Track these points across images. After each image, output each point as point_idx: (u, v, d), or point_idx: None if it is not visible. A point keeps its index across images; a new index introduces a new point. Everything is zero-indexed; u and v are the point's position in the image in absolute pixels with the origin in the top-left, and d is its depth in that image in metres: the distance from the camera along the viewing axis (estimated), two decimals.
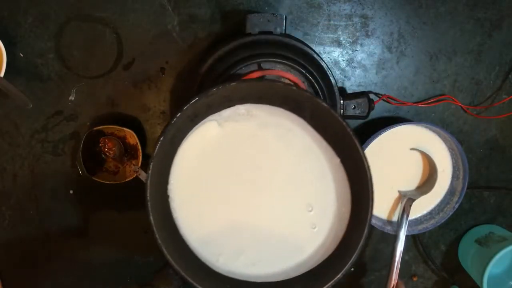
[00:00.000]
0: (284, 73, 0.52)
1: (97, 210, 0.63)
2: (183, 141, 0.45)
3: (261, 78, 0.46)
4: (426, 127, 0.57)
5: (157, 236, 0.40)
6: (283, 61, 0.52)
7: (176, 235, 0.45)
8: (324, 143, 0.46)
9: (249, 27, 0.52)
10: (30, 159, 0.61)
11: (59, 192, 0.62)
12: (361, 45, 0.59)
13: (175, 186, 0.45)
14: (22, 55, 0.58)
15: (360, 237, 0.42)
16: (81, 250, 0.64)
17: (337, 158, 0.45)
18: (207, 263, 0.45)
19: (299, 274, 0.45)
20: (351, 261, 0.43)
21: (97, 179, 0.59)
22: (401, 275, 0.58)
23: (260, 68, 0.52)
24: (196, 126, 0.45)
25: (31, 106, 0.53)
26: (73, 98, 0.60)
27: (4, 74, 0.55)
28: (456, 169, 0.59)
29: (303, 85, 0.53)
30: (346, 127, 0.40)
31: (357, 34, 0.58)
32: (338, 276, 0.43)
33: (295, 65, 0.52)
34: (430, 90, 0.60)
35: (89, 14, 0.57)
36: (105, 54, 0.58)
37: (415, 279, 0.66)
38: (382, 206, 0.61)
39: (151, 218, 0.40)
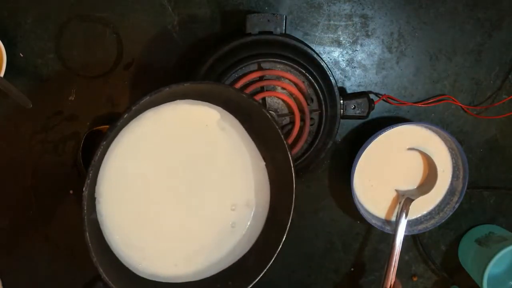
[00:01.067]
0: (284, 73, 0.52)
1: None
2: (114, 140, 0.44)
3: (208, 80, 0.47)
4: (426, 127, 0.57)
5: (91, 249, 0.41)
6: (283, 61, 0.52)
7: (101, 240, 0.45)
8: (253, 146, 0.47)
9: (249, 27, 0.52)
10: (30, 159, 0.61)
11: (59, 192, 0.62)
12: (361, 45, 0.59)
13: (102, 188, 0.44)
14: (22, 55, 0.58)
15: (278, 242, 0.45)
16: (81, 250, 0.64)
17: (263, 161, 0.47)
18: (130, 267, 0.45)
19: (218, 271, 0.47)
20: (267, 266, 0.45)
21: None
22: (401, 275, 0.58)
23: (260, 68, 0.52)
24: (131, 121, 0.44)
25: (31, 106, 0.53)
26: (73, 98, 0.60)
27: (4, 74, 0.55)
28: (456, 169, 0.59)
29: (303, 85, 0.53)
30: (281, 135, 0.42)
31: (357, 34, 0.58)
32: (253, 281, 0.44)
33: (295, 65, 0.52)
34: (430, 90, 0.60)
35: (89, 14, 0.57)
36: (105, 54, 0.58)
37: (415, 279, 0.66)
38: (381, 206, 0.61)
39: (86, 228, 0.40)
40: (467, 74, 0.60)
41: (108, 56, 0.58)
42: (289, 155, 0.43)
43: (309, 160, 0.56)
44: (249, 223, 0.48)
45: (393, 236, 0.56)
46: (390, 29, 0.58)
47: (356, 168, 0.55)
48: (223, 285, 0.46)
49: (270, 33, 0.52)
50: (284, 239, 0.45)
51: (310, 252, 0.65)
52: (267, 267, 0.45)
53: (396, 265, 0.55)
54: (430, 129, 0.58)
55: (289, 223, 0.45)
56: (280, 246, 0.45)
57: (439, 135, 0.58)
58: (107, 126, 0.58)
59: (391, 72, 0.59)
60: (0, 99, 0.60)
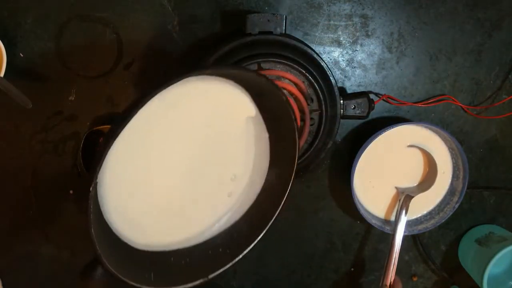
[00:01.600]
0: (284, 73, 0.52)
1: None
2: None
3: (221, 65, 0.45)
4: (426, 127, 0.57)
5: (92, 230, 0.40)
6: (283, 61, 0.52)
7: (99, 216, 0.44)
8: (259, 118, 0.47)
9: (249, 27, 0.52)
10: (30, 159, 0.61)
11: (59, 192, 0.62)
12: (361, 45, 0.59)
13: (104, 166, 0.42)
14: (22, 55, 0.58)
15: (272, 213, 0.45)
16: (81, 250, 0.64)
17: (267, 133, 0.46)
18: (129, 242, 0.44)
19: (210, 237, 0.48)
20: (261, 234, 0.45)
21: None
22: (401, 275, 0.58)
23: (260, 68, 0.52)
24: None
25: (31, 106, 0.53)
26: (73, 98, 0.60)
27: (4, 74, 0.55)
28: (456, 169, 0.59)
29: (303, 85, 0.53)
30: (289, 110, 0.42)
31: (357, 34, 0.58)
32: (246, 248, 0.45)
33: (295, 65, 0.52)
34: (430, 90, 0.60)
35: (89, 14, 0.57)
36: (105, 54, 0.58)
37: (415, 279, 0.66)
38: (381, 206, 0.61)
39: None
40: (467, 74, 0.60)
41: (108, 56, 0.58)
42: (296, 139, 0.43)
43: (309, 160, 0.56)
44: (245, 192, 0.49)
45: (393, 233, 0.56)
46: (390, 29, 0.58)
47: (356, 168, 0.55)
48: (214, 251, 0.46)
49: (270, 33, 0.52)
50: (278, 211, 0.46)
51: (310, 252, 0.65)
52: (261, 235, 0.46)
53: (396, 262, 0.55)
54: (430, 129, 0.58)
55: (285, 197, 0.46)
56: (274, 217, 0.46)
57: (439, 135, 0.58)
58: (107, 126, 0.58)
59: (391, 72, 0.59)
60: (0, 99, 0.60)
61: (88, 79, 0.59)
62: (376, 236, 0.64)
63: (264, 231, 0.46)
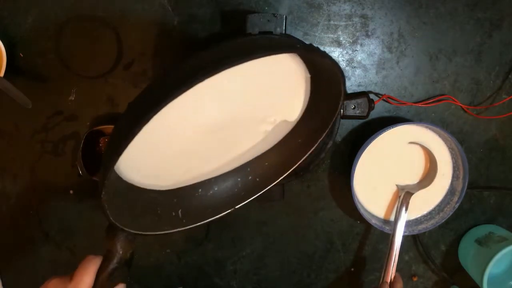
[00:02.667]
0: None
1: (97, 210, 0.63)
2: None
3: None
4: (426, 127, 0.57)
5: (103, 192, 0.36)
6: None
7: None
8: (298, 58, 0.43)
9: (249, 27, 0.52)
10: (30, 159, 0.61)
11: (59, 192, 0.62)
12: (361, 45, 0.59)
13: None
14: (22, 55, 0.58)
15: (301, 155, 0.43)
16: (81, 250, 0.64)
17: (308, 73, 0.43)
18: (153, 187, 0.44)
19: (246, 161, 0.46)
20: (293, 167, 0.44)
21: (97, 179, 0.59)
22: (401, 275, 0.58)
23: None
24: None
25: (31, 106, 0.53)
26: (73, 98, 0.60)
27: (4, 74, 0.55)
28: (456, 169, 0.59)
29: None
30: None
31: (357, 34, 0.58)
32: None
33: None
34: (430, 90, 0.60)
35: (89, 14, 0.57)
36: (105, 54, 0.58)
37: (415, 279, 0.66)
38: (381, 206, 0.61)
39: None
40: (467, 74, 0.60)
41: (108, 56, 0.58)
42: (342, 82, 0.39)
43: (309, 160, 0.56)
44: (278, 127, 0.47)
45: (393, 230, 0.56)
46: (390, 29, 0.58)
47: (356, 168, 0.55)
48: (243, 178, 0.46)
49: (270, 33, 0.52)
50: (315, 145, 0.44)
51: (310, 252, 0.65)
52: (291, 169, 0.44)
53: (396, 259, 0.55)
54: (430, 129, 0.58)
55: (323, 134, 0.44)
56: (313, 148, 0.44)
57: (439, 135, 0.58)
58: (107, 126, 0.58)
59: (391, 72, 0.59)
60: (0, 99, 0.60)
61: (88, 79, 0.59)
62: (376, 236, 0.64)
63: (294, 166, 0.44)
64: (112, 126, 0.58)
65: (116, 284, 0.41)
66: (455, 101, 0.60)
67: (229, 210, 0.43)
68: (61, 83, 0.59)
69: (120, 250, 0.41)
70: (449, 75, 0.60)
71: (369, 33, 0.58)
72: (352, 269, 0.66)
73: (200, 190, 0.46)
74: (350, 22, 0.58)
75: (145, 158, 0.43)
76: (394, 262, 0.55)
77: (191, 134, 0.43)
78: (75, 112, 0.60)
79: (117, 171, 0.42)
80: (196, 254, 0.65)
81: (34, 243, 0.64)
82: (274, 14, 0.52)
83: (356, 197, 0.58)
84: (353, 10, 0.58)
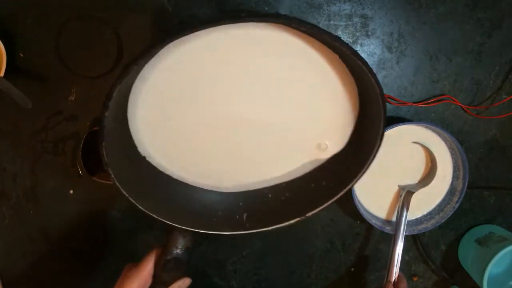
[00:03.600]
0: None
1: (97, 210, 0.63)
2: (129, 109, 0.42)
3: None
4: (426, 127, 0.57)
5: (121, 188, 0.40)
6: None
7: (173, 191, 0.44)
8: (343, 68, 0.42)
9: None
10: (30, 159, 0.61)
11: (59, 192, 0.62)
12: (361, 45, 0.59)
13: (147, 145, 0.43)
14: (22, 55, 0.58)
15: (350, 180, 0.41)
16: (81, 250, 0.64)
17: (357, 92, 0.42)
18: (215, 189, 0.45)
19: (319, 165, 0.45)
20: (364, 168, 0.41)
21: (97, 179, 0.59)
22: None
23: None
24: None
25: (31, 106, 0.53)
26: (73, 98, 0.60)
27: (4, 74, 0.55)
28: (456, 169, 0.59)
29: None
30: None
31: (357, 34, 0.58)
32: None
33: None
34: (430, 90, 0.60)
35: (89, 14, 0.57)
36: (105, 54, 0.58)
37: (415, 279, 0.66)
38: (381, 206, 0.61)
39: (142, 208, 0.40)
40: (467, 74, 0.60)
41: (108, 56, 0.58)
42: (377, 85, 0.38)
43: None
44: (333, 147, 0.45)
45: (395, 230, 0.56)
46: (390, 29, 0.58)
47: None
48: (316, 184, 0.43)
49: None
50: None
51: (310, 252, 0.65)
52: (363, 170, 0.41)
53: (400, 259, 0.55)
54: (430, 129, 0.58)
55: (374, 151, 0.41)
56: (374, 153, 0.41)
57: (439, 135, 0.58)
58: None
59: (391, 72, 0.59)
60: (0, 99, 0.60)
61: (88, 79, 0.59)
62: (376, 236, 0.64)
63: (366, 166, 0.41)
64: None
65: (178, 278, 0.44)
66: (455, 101, 0.60)
67: (300, 218, 0.41)
68: (61, 83, 0.59)
69: (175, 244, 0.43)
70: (449, 75, 0.60)
71: (369, 33, 0.58)
72: (352, 269, 0.66)
73: (270, 195, 0.45)
74: (350, 22, 0.58)
75: (200, 157, 0.44)
76: (397, 261, 0.55)
77: (244, 130, 0.43)
78: (75, 112, 0.60)
79: (176, 174, 0.44)
80: (196, 254, 0.65)
81: (34, 243, 0.64)
82: None
83: (356, 197, 0.58)
84: (353, 10, 0.58)
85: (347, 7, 0.58)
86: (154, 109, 0.43)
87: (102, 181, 0.59)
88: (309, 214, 0.41)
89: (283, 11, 0.57)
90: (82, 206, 0.63)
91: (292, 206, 0.43)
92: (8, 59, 0.55)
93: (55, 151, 0.61)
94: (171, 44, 0.35)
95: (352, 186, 0.42)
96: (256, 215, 0.42)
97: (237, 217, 0.42)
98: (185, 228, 0.41)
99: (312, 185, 0.44)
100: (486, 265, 0.56)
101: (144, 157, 0.44)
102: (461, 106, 0.60)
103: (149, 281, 0.44)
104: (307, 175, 0.45)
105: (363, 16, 0.58)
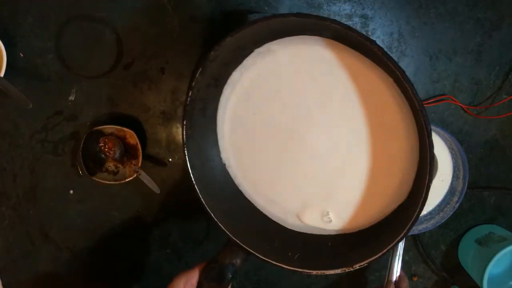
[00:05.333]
0: None
1: (97, 210, 0.63)
2: (219, 109, 0.45)
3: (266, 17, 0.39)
4: None
5: (212, 215, 0.42)
6: None
7: (238, 204, 0.45)
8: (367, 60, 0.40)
9: None
10: (30, 159, 0.61)
11: (59, 192, 0.62)
12: None
13: (229, 153, 0.46)
14: (22, 55, 0.58)
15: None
16: (81, 250, 0.64)
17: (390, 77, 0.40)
18: (278, 221, 0.46)
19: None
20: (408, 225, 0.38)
21: (97, 179, 0.59)
22: None
23: None
24: (225, 87, 0.44)
25: (31, 106, 0.53)
26: (73, 98, 0.60)
27: (4, 74, 0.55)
28: (456, 169, 0.59)
29: None
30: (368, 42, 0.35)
31: None
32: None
33: None
34: (430, 90, 0.60)
35: (89, 14, 0.57)
36: (105, 54, 0.58)
37: (415, 279, 0.66)
38: None
39: (202, 200, 0.41)
40: (467, 74, 0.60)
41: (108, 56, 0.58)
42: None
43: None
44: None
45: None
46: (390, 29, 0.58)
47: None
48: (377, 235, 0.42)
49: None
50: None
51: None
52: (407, 229, 0.38)
53: (401, 258, 0.55)
54: None
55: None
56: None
57: (439, 135, 0.58)
58: (107, 126, 0.58)
59: None
60: (0, 99, 0.60)
61: (88, 79, 0.59)
62: None
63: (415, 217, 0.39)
64: (112, 126, 0.58)
65: None
66: (455, 101, 0.60)
67: (345, 268, 0.40)
68: (61, 83, 0.59)
69: (225, 257, 0.44)
70: (449, 75, 0.60)
71: (369, 33, 0.58)
72: (352, 269, 0.66)
73: (329, 243, 0.44)
74: (350, 22, 0.58)
75: (275, 182, 0.45)
76: (398, 261, 0.55)
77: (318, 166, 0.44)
78: (75, 112, 0.60)
79: (248, 191, 0.46)
80: (196, 254, 0.65)
81: (34, 243, 0.64)
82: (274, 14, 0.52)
83: None
84: (353, 10, 0.58)
85: (347, 7, 0.58)
86: (240, 119, 0.45)
87: (102, 181, 0.59)
88: (356, 266, 0.40)
89: (283, 11, 0.57)
90: (82, 206, 0.63)
91: (344, 256, 0.42)
92: (8, 59, 0.55)
93: (55, 151, 0.61)
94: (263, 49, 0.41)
95: (402, 239, 0.39)
96: (308, 258, 0.42)
97: (289, 254, 0.42)
98: (239, 244, 0.42)
99: (372, 238, 0.42)
100: (486, 265, 0.56)
101: (224, 164, 0.46)
102: (461, 106, 0.60)
103: (195, 284, 0.44)
104: (372, 226, 0.44)
105: (363, 16, 0.58)
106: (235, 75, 0.44)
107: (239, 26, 0.37)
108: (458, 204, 0.58)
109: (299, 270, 0.40)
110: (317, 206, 0.45)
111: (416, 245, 0.65)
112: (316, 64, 0.42)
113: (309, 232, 0.45)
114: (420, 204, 0.37)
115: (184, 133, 0.41)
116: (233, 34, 0.37)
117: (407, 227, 0.37)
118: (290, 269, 0.40)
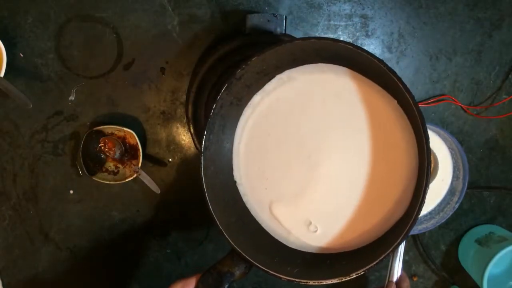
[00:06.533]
0: None
1: (97, 210, 0.63)
2: (237, 128, 0.48)
3: (289, 40, 0.43)
4: None
5: (218, 223, 0.43)
6: None
7: (244, 220, 0.47)
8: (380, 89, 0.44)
9: (249, 27, 0.52)
10: (30, 159, 0.61)
11: (59, 192, 0.62)
12: (361, 45, 0.59)
13: (242, 171, 0.48)
14: (22, 55, 0.58)
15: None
16: (81, 250, 0.64)
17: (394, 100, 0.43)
18: (280, 239, 0.47)
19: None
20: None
21: (97, 179, 0.59)
22: None
23: None
24: (245, 108, 0.48)
25: (31, 106, 0.53)
26: (73, 98, 0.60)
27: (4, 74, 0.55)
28: (456, 169, 0.59)
29: None
30: (382, 64, 0.38)
31: (357, 34, 0.58)
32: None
33: None
34: (430, 90, 0.60)
35: (89, 14, 0.57)
36: (105, 54, 0.58)
37: (415, 279, 0.66)
38: None
39: (210, 207, 0.43)
40: (467, 74, 0.60)
41: (108, 56, 0.58)
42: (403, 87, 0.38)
43: None
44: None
45: None
46: (390, 29, 0.58)
47: None
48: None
49: (270, 33, 0.52)
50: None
51: None
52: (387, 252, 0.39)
53: (401, 259, 0.55)
54: (430, 129, 0.58)
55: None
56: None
57: (439, 135, 0.58)
58: (107, 126, 0.58)
59: None
60: (0, 99, 0.60)
61: (88, 79, 0.59)
62: None
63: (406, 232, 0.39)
64: (112, 126, 0.58)
65: None
66: (455, 101, 0.60)
67: (342, 279, 0.40)
68: (61, 83, 0.59)
69: (223, 264, 0.44)
70: (449, 75, 0.60)
71: (369, 33, 0.58)
72: None
73: (328, 261, 0.45)
74: (350, 22, 0.58)
75: (282, 204, 0.48)
76: (399, 261, 0.55)
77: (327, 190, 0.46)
78: (75, 112, 0.60)
79: (253, 210, 0.48)
80: (196, 254, 0.65)
81: (34, 243, 0.64)
82: (274, 14, 0.52)
83: None
84: (353, 10, 0.58)
85: (347, 7, 0.58)
86: (256, 139, 0.48)
87: (102, 181, 0.59)
88: (353, 275, 0.40)
89: (283, 11, 0.57)
90: (82, 206, 0.63)
91: (341, 267, 0.43)
92: (8, 59, 0.55)
93: (55, 151, 0.61)
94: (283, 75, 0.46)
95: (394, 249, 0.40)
96: (306, 272, 0.43)
97: (289, 268, 0.43)
98: (240, 253, 0.43)
99: (370, 252, 0.43)
100: (486, 265, 0.56)
101: (235, 182, 0.49)
102: (461, 106, 0.60)
103: None
104: (371, 243, 0.45)
105: (363, 16, 0.58)
106: (256, 98, 0.48)
107: (264, 47, 0.41)
108: (458, 204, 0.58)
109: (297, 280, 0.41)
110: (321, 225, 0.47)
111: (416, 245, 0.65)
112: (328, 91, 0.46)
113: (309, 251, 0.47)
114: (414, 216, 0.38)
115: (203, 144, 0.43)
116: (259, 54, 0.41)
117: (402, 236, 0.39)
118: (288, 279, 0.41)
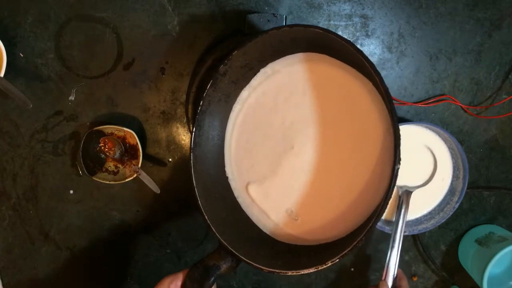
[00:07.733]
0: None
1: (97, 210, 0.63)
2: (228, 125, 0.49)
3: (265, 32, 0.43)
4: (426, 127, 0.57)
5: (206, 217, 0.44)
6: None
7: (235, 215, 0.48)
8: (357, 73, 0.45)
9: (249, 27, 0.52)
10: (30, 159, 0.61)
11: (59, 192, 0.62)
12: (361, 45, 0.59)
13: (233, 167, 0.49)
14: (22, 55, 0.58)
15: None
16: (81, 250, 0.64)
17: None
18: (268, 232, 0.49)
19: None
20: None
21: (97, 179, 0.59)
22: None
23: None
24: (234, 104, 0.49)
25: (31, 106, 0.53)
26: (73, 98, 0.60)
27: (4, 74, 0.55)
28: (456, 169, 0.59)
29: None
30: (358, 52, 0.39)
31: (357, 34, 0.58)
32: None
33: None
34: (430, 90, 0.60)
35: (89, 14, 0.57)
36: (105, 54, 0.58)
37: (415, 279, 0.66)
38: None
39: (199, 202, 0.44)
40: (467, 74, 0.60)
41: (108, 56, 0.58)
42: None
43: None
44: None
45: (394, 229, 0.56)
46: (390, 29, 0.58)
47: None
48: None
49: None
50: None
51: None
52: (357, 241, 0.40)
53: (398, 258, 0.55)
54: (430, 129, 0.58)
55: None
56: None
57: (439, 135, 0.58)
58: (107, 126, 0.58)
59: (391, 72, 0.59)
60: (0, 99, 0.60)
61: (88, 79, 0.59)
62: (376, 236, 0.64)
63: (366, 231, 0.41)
64: (112, 126, 0.58)
65: None
66: (455, 101, 0.60)
67: (313, 269, 0.42)
68: (61, 83, 0.59)
69: (211, 259, 0.45)
70: (449, 75, 0.60)
71: (369, 33, 0.58)
72: (352, 269, 0.66)
73: (312, 253, 0.46)
74: (350, 22, 0.58)
75: (272, 199, 0.49)
76: (396, 260, 0.55)
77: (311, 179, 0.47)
78: (75, 112, 0.60)
79: (244, 204, 0.49)
80: (196, 254, 0.65)
81: (34, 243, 0.64)
82: (274, 14, 0.52)
83: None
84: (353, 10, 0.58)
85: (347, 7, 0.58)
86: (246, 134, 0.50)
87: (102, 181, 0.59)
88: (328, 263, 0.41)
89: (283, 11, 0.57)
90: (82, 206, 0.63)
91: (319, 256, 0.44)
92: (8, 59, 0.55)
93: (55, 151, 0.61)
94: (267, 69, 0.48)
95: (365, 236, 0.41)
96: (290, 264, 0.44)
97: (274, 261, 0.44)
98: (227, 247, 0.43)
99: (347, 243, 0.43)
100: (486, 265, 0.56)
101: (227, 177, 0.50)
102: (461, 106, 0.60)
103: (179, 285, 0.46)
104: (350, 234, 0.46)
105: (363, 16, 0.58)
106: (244, 93, 0.49)
107: (244, 41, 0.42)
108: (458, 204, 0.58)
109: (277, 271, 0.42)
110: (304, 216, 0.48)
111: (416, 245, 0.65)
112: (308, 81, 0.47)
113: (295, 243, 0.48)
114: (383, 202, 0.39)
115: (192, 141, 0.44)
116: (239, 48, 0.42)
117: (374, 220, 0.39)
118: (269, 271, 0.42)
